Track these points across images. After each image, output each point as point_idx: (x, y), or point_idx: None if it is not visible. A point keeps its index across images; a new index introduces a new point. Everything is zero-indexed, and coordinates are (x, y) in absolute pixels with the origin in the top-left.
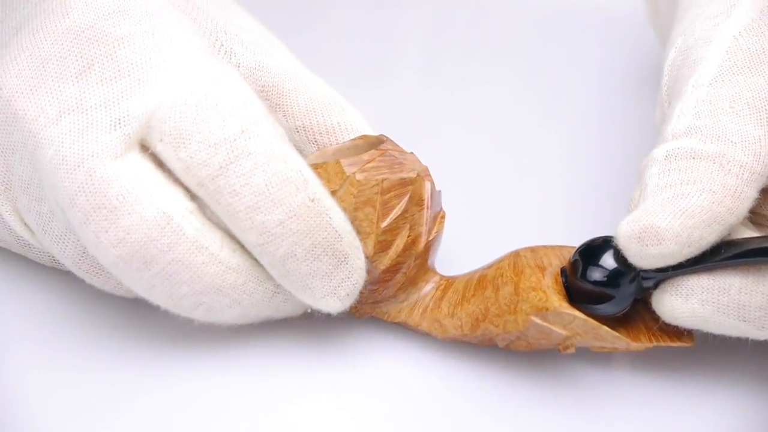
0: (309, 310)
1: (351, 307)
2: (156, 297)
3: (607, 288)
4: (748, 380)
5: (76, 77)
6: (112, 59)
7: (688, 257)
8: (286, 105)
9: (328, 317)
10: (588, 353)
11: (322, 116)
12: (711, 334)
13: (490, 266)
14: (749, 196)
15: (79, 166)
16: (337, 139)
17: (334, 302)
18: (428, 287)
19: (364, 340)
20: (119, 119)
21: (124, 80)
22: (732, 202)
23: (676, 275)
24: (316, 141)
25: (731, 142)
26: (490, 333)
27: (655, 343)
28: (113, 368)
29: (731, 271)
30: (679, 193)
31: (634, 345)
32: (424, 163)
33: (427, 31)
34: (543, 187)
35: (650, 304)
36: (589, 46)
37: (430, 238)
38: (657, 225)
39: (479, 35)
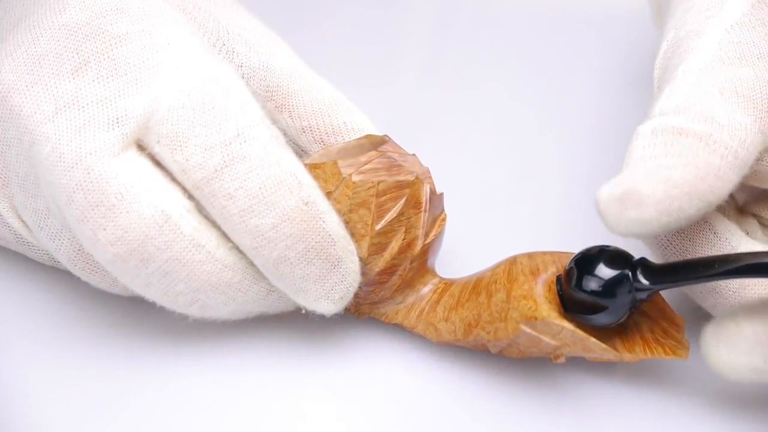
0: (303, 311)
1: (351, 307)
2: (152, 294)
3: (600, 298)
4: (743, 391)
5: (73, 74)
6: (108, 57)
7: (665, 228)
8: (292, 105)
9: (324, 317)
10: (583, 362)
11: (329, 116)
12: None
13: (486, 272)
14: (731, 179)
15: (76, 163)
16: (343, 140)
17: (328, 305)
18: (426, 289)
19: (361, 340)
20: (117, 118)
21: (121, 79)
22: (714, 180)
23: (670, 287)
24: (323, 141)
25: (719, 124)
26: (482, 339)
27: (650, 355)
28: (112, 366)
29: None
30: (664, 164)
31: (628, 357)
32: (425, 165)
33: (429, 31)
34: (545, 189)
35: (645, 315)
36: (590, 46)
37: (427, 241)
38: (639, 189)
39: (481, 36)
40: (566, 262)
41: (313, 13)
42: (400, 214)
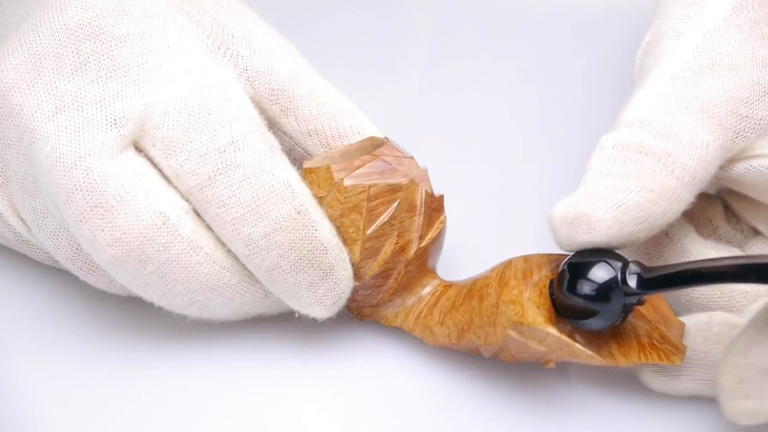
0: (297, 315)
1: (353, 310)
2: (150, 294)
3: (591, 303)
4: None
5: (72, 74)
6: (108, 58)
7: (615, 248)
8: (298, 109)
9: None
10: (582, 366)
11: (334, 120)
12: None
13: (482, 275)
14: (685, 199)
15: (76, 164)
16: (349, 143)
17: (320, 310)
18: (426, 292)
19: (360, 341)
20: (115, 119)
21: (120, 80)
22: (668, 203)
23: (658, 292)
24: (328, 144)
25: (680, 142)
26: (474, 343)
27: (644, 360)
28: (111, 366)
29: None
30: (619, 186)
31: (623, 361)
32: (426, 167)
33: (432, 34)
34: (547, 190)
35: (644, 318)
36: (593, 50)
37: (423, 245)
38: (590, 214)
39: (483, 39)
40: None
41: (316, 16)
42: (393, 218)
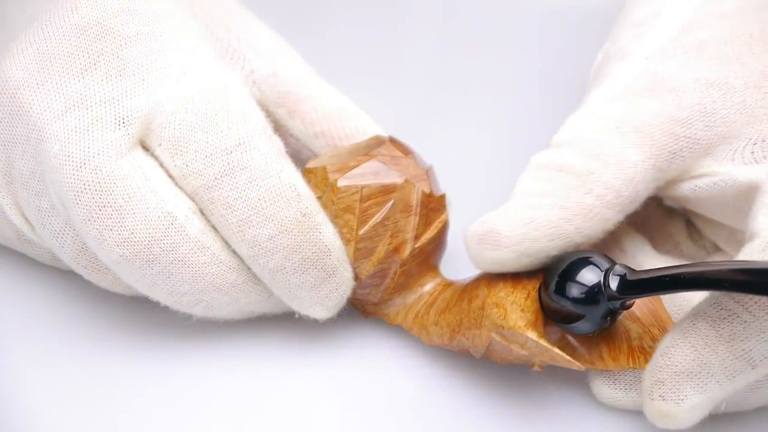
0: (297, 315)
1: (359, 307)
2: (157, 294)
3: (575, 306)
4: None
5: (82, 73)
6: (117, 57)
7: (526, 268)
8: (304, 111)
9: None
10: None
11: (340, 121)
12: None
13: (476, 276)
14: (608, 218)
15: (85, 163)
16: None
17: (321, 311)
18: (426, 291)
19: (362, 340)
20: (123, 118)
21: (128, 79)
22: (582, 221)
23: (639, 297)
24: (335, 146)
25: (605, 162)
26: (463, 345)
27: (632, 366)
28: (112, 365)
29: None
30: (532, 203)
31: (612, 365)
32: (430, 164)
33: (433, 32)
34: None
35: (639, 321)
36: (595, 46)
37: (419, 244)
38: (498, 230)
39: (485, 35)
40: None
41: (315, 16)
42: (386, 218)
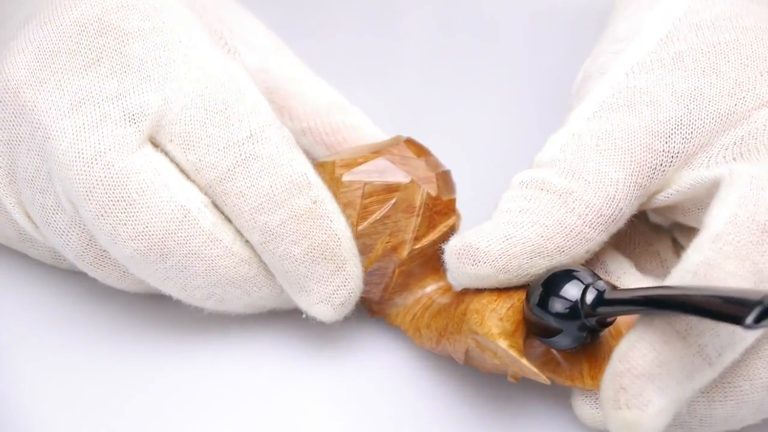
0: (304, 316)
1: (365, 303)
2: (169, 288)
3: (554, 320)
4: None
5: (86, 70)
6: (121, 54)
7: (506, 284)
8: (292, 107)
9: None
10: None
11: (327, 116)
12: None
13: None
14: (590, 238)
15: (96, 159)
16: (343, 137)
17: (327, 310)
18: (425, 292)
19: (366, 340)
20: (133, 114)
21: (134, 75)
22: (563, 240)
23: (613, 314)
24: (323, 141)
25: (585, 180)
26: (447, 350)
27: None
28: (112, 365)
29: None
30: (512, 221)
31: (590, 383)
32: (447, 169)
33: (429, 30)
34: None
35: (617, 341)
36: (592, 46)
37: (418, 246)
38: (476, 246)
39: (482, 34)
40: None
41: (313, 14)
42: (386, 216)
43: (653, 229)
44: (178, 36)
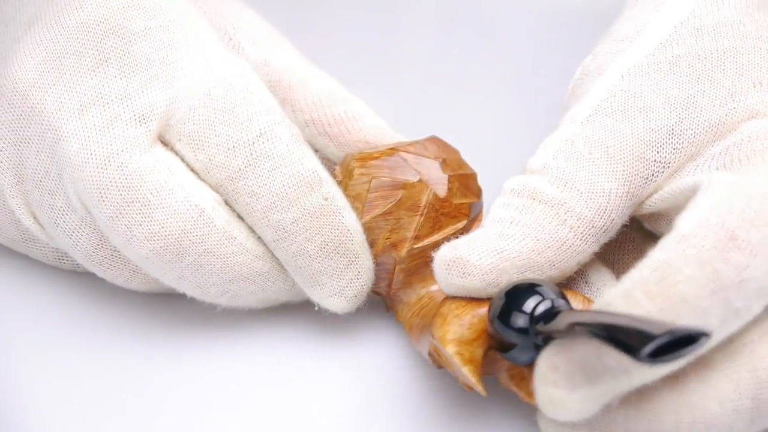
0: (317, 308)
1: (382, 295)
2: (184, 287)
3: (508, 334)
4: None
5: (94, 71)
6: (128, 54)
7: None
8: (294, 99)
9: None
10: None
11: (329, 107)
12: None
13: None
14: (581, 250)
15: (109, 160)
16: (346, 128)
17: (341, 302)
18: (426, 291)
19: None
20: (142, 114)
21: (142, 75)
22: (555, 254)
23: (563, 336)
24: (326, 132)
25: (577, 191)
26: (421, 350)
27: None
28: (113, 365)
29: None
30: (504, 233)
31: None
32: (473, 171)
33: (433, 26)
34: None
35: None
36: (593, 44)
37: (418, 245)
38: (467, 258)
39: (485, 31)
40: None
41: (314, 13)
42: (388, 212)
43: (645, 236)
44: (185, 34)
